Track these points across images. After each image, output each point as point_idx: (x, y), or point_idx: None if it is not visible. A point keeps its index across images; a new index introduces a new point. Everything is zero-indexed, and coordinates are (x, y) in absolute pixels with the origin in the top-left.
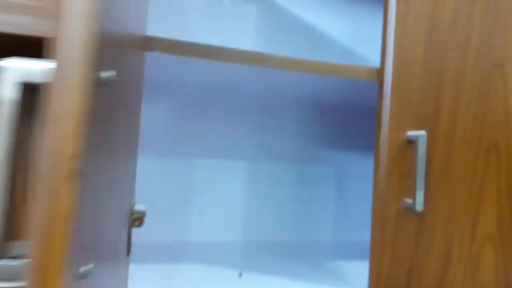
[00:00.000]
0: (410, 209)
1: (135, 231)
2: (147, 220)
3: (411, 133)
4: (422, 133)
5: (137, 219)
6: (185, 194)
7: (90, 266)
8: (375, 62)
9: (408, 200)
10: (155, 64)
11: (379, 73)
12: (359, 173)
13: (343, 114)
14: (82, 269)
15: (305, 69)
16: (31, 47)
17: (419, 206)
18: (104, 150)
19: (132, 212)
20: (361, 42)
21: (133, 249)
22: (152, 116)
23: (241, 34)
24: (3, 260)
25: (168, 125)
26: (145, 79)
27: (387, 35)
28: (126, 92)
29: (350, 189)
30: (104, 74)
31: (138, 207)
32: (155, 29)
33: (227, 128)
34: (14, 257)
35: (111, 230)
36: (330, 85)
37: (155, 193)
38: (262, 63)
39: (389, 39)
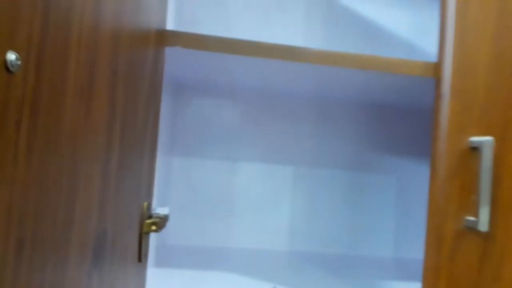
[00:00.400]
0: (472, 229)
1: (168, 235)
2: (184, 224)
3: (474, 139)
4: (488, 139)
5: (154, 224)
6: (227, 198)
7: None
8: None
9: (470, 218)
10: (194, 63)
11: (436, 68)
12: (421, 183)
13: (403, 117)
14: None
15: (348, 64)
16: None
17: (484, 226)
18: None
19: (148, 216)
20: (426, 37)
21: (165, 253)
22: (192, 117)
23: (288, 29)
24: None
25: (210, 126)
26: (183, 78)
27: (446, 24)
28: (134, 88)
29: (411, 200)
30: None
31: (159, 210)
32: (200, 26)
33: (273, 131)
34: None
35: (113, 233)
36: (386, 83)
37: (194, 197)
38: (301, 59)
39: (447, 29)
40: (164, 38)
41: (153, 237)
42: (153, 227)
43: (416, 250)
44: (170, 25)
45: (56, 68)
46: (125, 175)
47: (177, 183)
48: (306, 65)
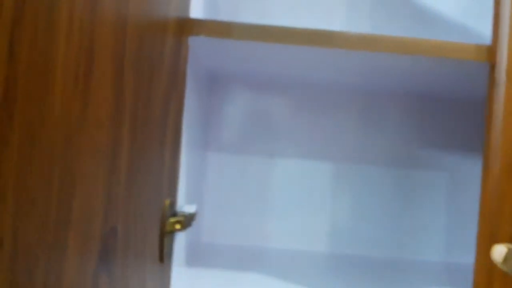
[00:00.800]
0: None
1: (202, 233)
2: (219, 221)
3: None
4: None
5: (179, 222)
6: (264, 196)
7: None
8: None
9: None
10: (226, 53)
11: (490, 52)
12: (476, 180)
13: (455, 108)
14: None
15: (393, 48)
16: None
17: None
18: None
19: (172, 214)
20: (479, 18)
21: (198, 252)
22: (228, 111)
23: (328, 12)
24: None
25: (246, 120)
26: (217, 70)
27: (501, 4)
28: (148, 80)
29: (465, 201)
30: None
31: (185, 208)
32: (232, 14)
33: (312, 125)
34: None
35: (125, 232)
36: (434, 70)
37: (230, 193)
38: (341, 44)
39: (503, 8)
40: (186, 26)
41: (185, 235)
42: (177, 226)
43: (469, 254)
44: (199, 14)
45: (38, 52)
46: (140, 171)
47: (212, 179)
48: (346, 52)
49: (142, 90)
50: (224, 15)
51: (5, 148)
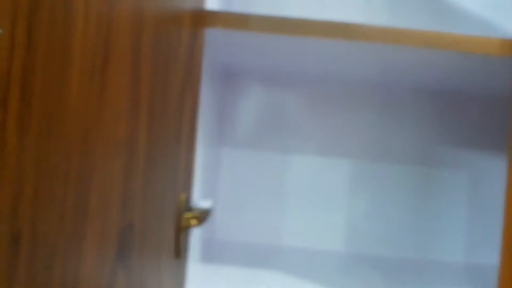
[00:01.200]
0: None
1: (217, 229)
2: (233, 218)
3: None
4: None
5: (195, 218)
6: (279, 193)
7: None
8: None
9: None
10: (241, 46)
11: None
12: (499, 179)
13: (477, 104)
14: None
15: (414, 41)
16: None
17: None
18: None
19: (188, 209)
20: (502, 11)
21: (213, 248)
22: (243, 106)
23: (347, 4)
24: None
25: (261, 115)
26: (232, 64)
27: None
28: (164, 73)
29: (487, 200)
30: None
31: (200, 203)
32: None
33: (330, 120)
34: None
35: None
36: (456, 65)
37: (244, 190)
38: (359, 36)
39: None
40: (202, 18)
41: (200, 231)
42: (193, 221)
43: (492, 255)
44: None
45: (55, 41)
46: (156, 165)
47: (226, 176)
48: (366, 45)
49: (158, 82)
50: (238, 7)
51: (24, 137)
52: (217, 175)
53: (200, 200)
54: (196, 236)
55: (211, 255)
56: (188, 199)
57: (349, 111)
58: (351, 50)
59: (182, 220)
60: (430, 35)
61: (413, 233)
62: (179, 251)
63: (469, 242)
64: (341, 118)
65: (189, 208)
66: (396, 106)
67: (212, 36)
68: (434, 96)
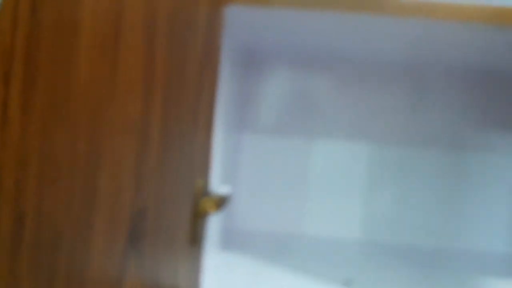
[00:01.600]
0: None
1: (237, 217)
2: (253, 206)
3: None
4: None
5: (213, 203)
6: (301, 180)
7: None
8: None
9: None
10: (263, 25)
11: None
12: None
13: None
14: None
15: (447, 15)
16: None
17: None
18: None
19: (205, 195)
20: None
21: (232, 236)
22: (265, 89)
23: None
24: None
25: (284, 99)
26: (254, 45)
27: None
28: (181, 53)
29: None
30: None
31: (217, 189)
32: None
33: (355, 103)
34: None
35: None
36: (495, 41)
37: (265, 177)
38: (388, 10)
39: None
40: None
41: (219, 219)
42: (211, 207)
43: None
44: None
45: (63, 11)
46: (172, 148)
47: (247, 162)
48: (397, 20)
49: (175, 61)
50: None
51: (28, 115)
52: (237, 161)
53: (218, 186)
54: (215, 225)
55: (230, 244)
56: (205, 185)
57: (377, 93)
58: (382, 25)
59: (199, 206)
60: (468, 8)
61: (443, 222)
62: (196, 238)
63: (507, 232)
64: (369, 101)
65: (206, 194)
66: (428, 87)
67: (232, 14)
68: (470, 76)
